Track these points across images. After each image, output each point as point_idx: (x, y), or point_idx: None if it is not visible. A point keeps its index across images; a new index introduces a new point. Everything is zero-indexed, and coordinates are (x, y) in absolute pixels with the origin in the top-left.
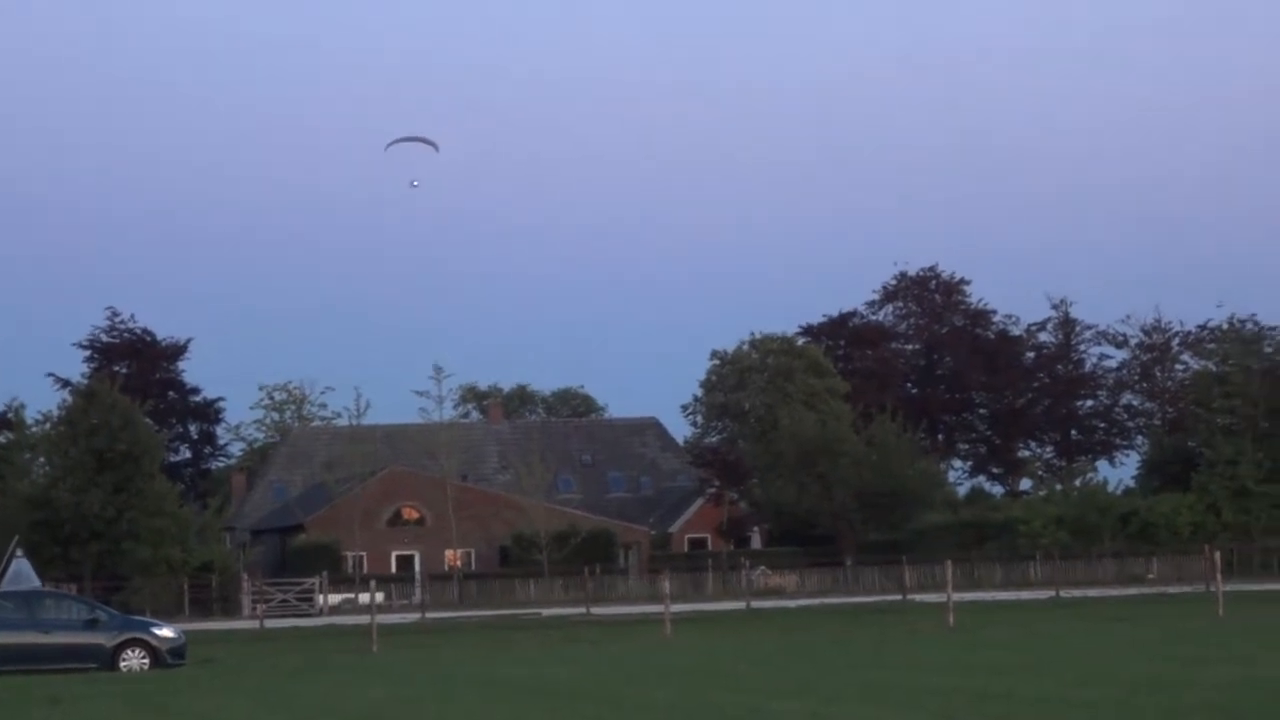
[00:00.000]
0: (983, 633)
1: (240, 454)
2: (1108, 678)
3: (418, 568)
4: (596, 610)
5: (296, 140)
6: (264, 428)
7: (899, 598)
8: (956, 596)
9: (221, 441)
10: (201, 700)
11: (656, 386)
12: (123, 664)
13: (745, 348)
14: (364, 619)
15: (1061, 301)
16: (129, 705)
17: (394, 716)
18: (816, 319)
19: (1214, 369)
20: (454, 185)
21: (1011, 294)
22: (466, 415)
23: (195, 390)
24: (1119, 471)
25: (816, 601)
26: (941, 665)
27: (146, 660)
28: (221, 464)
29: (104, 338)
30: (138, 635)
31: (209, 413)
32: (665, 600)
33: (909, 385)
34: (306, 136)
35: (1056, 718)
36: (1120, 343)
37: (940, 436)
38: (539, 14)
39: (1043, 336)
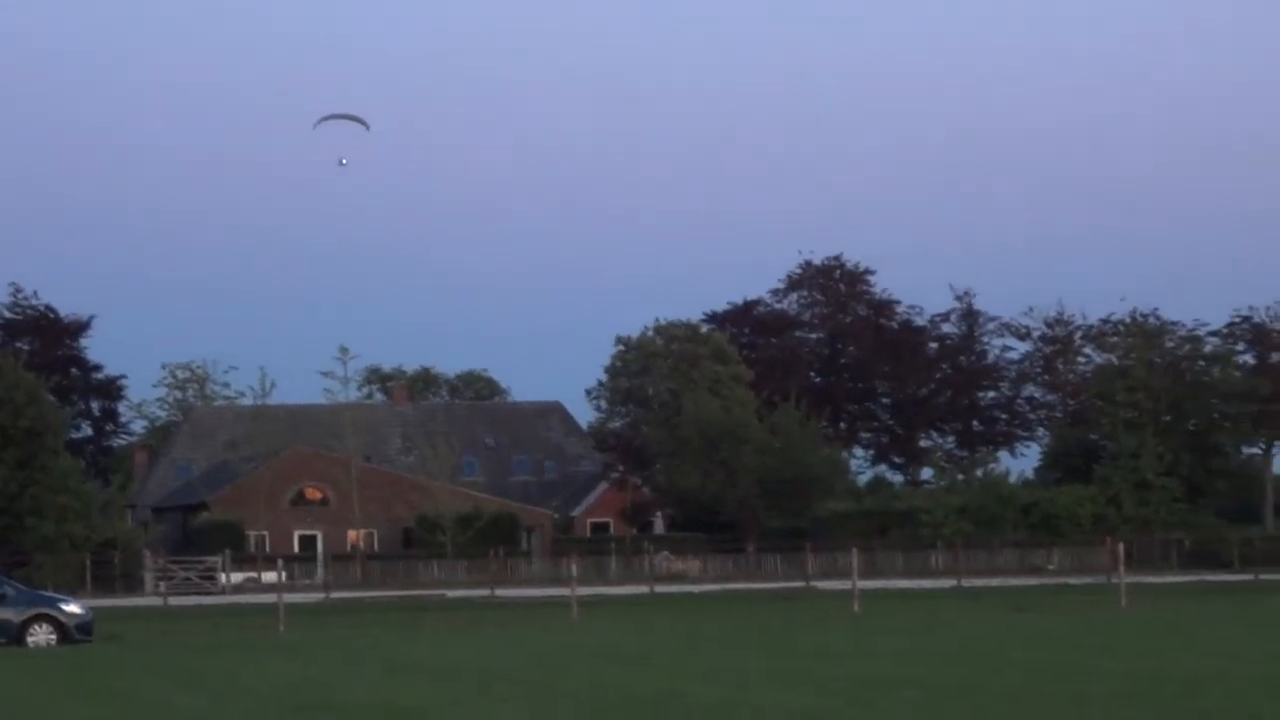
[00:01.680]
0: (888, 620)
1: (142, 431)
2: (1017, 666)
3: (320, 548)
4: (501, 592)
5: (204, 117)
6: (166, 406)
7: (802, 584)
8: (860, 584)
9: (123, 419)
10: (113, 677)
11: (560, 371)
12: (30, 639)
13: (649, 334)
14: (267, 598)
15: (965, 293)
16: (39, 681)
17: (306, 696)
18: (721, 306)
19: (1116, 362)
20: (361, 166)
21: (915, 285)
22: (370, 397)
23: (98, 367)
24: (1020, 463)
25: (720, 587)
26: (850, 652)
27: (54, 636)
28: (123, 441)
29: (6, 314)
30: (45, 611)
31: (111, 390)
32: (572, 584)
33: (812, 374)
34: (215, 113)
35: (973, 705)
36: (1023, 335)
37: (843, 425)
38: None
39: (946, 328)
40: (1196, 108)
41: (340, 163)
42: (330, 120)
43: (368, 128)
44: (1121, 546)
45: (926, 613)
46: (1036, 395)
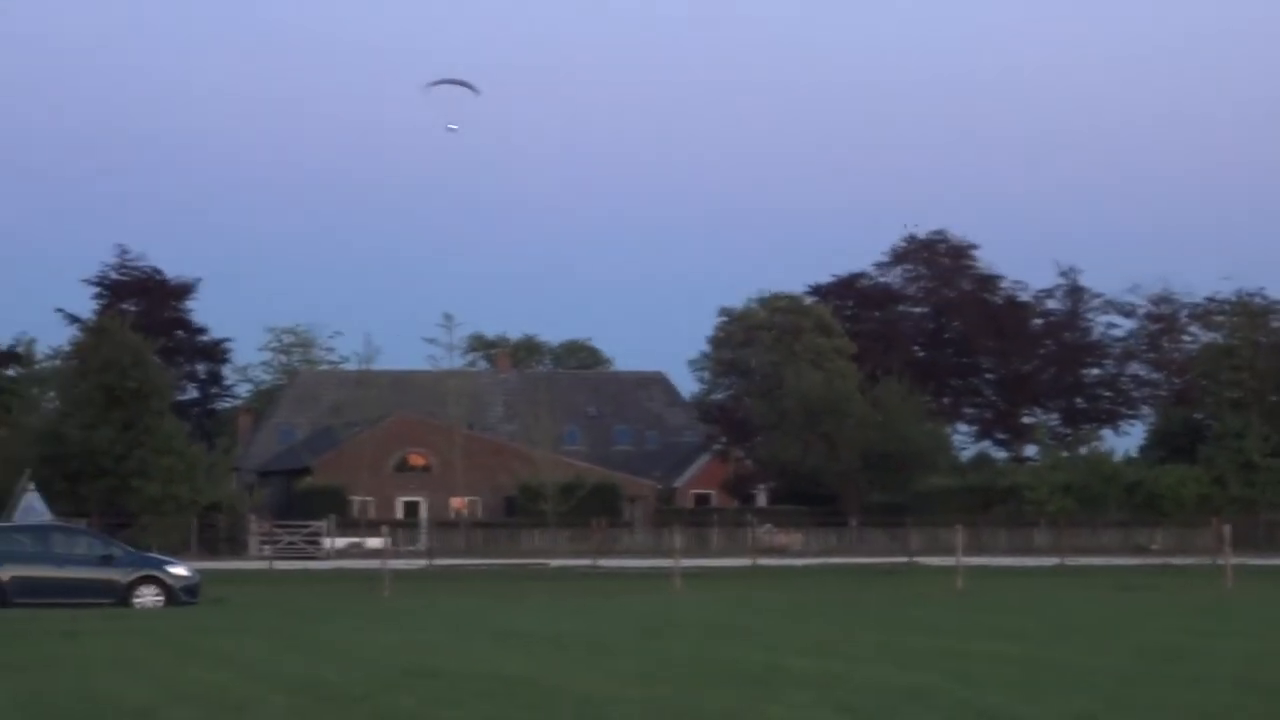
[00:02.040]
0: (991, 597)
1: (247, 395)
2: (1123, 646)
3: (423, 514)
4: (603, 563)
5: (314, 81)
6: (271, 369)
7: (904, 560)
8: (963, 561)
9: (228, 382)
10: (219, 639)
11: (664, 342)
12: (136, 601)
13: (753, 305)
14: (370, 563)
15: (1070, 269)
16: (146, 642)
17: (412, 661)
18: (825, 279)
19: (1221, 341)
20: (471, 133)
21: (1020, 260)
22: (474, 364)
23: (203, 330)
24: (1123, 441)
25: (821, 561)
26: (954, 629)
27: (161, 598)
28: (228, 404)
29: (113, 275)
30: (152, 572)
31: (216, 353)
32: (676, 555)
33: (916, 348)
34: (324, 76)
35: (1081, 684)
36: (1128, 312)
37: (946, 400)
38: None
39: (1050, 304)
40: None
41: (449, 129)
42: (439, 85)
43: (477, 93)
44: (1228, 528)
45: (1030, 590)
46: (1141, 373)
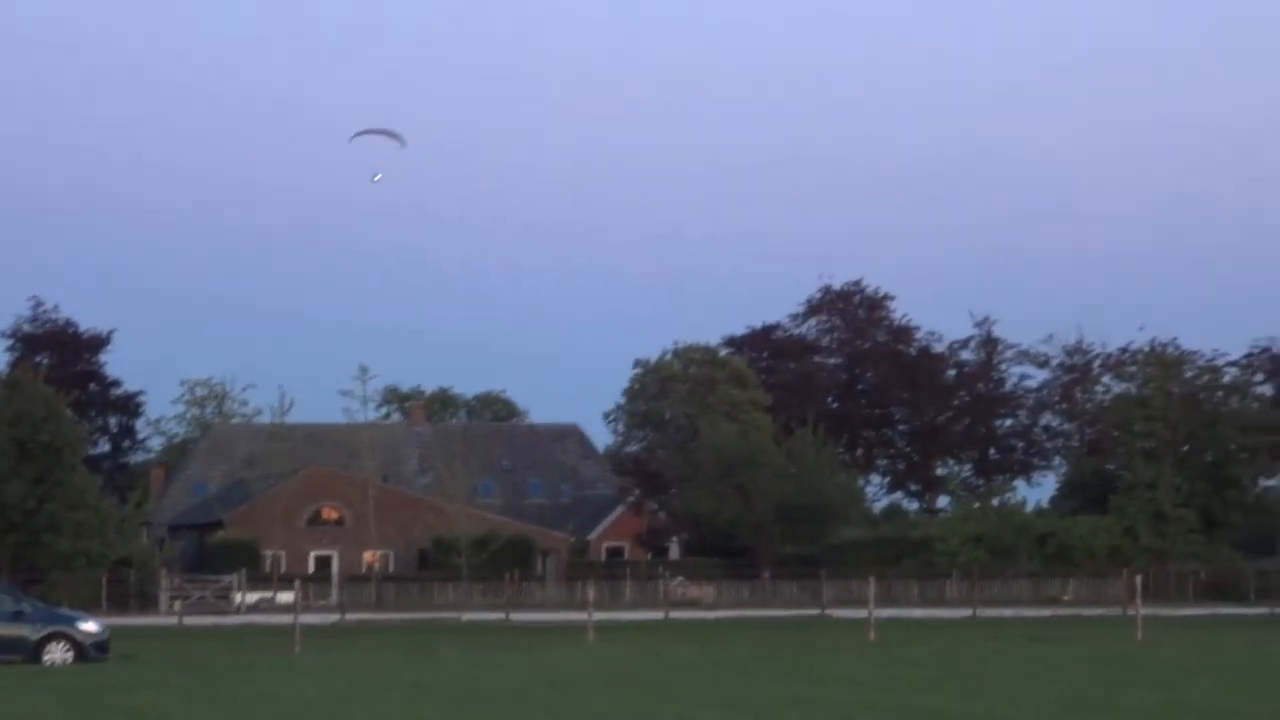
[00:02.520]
0: (904, 650)
1: (160, 448)
2: (1034, 698)
3: (335, 568)
4: (516, 616)
5: (224, 133)
6: (184, 423)
7: (817, 612)
8: (875, 613)
9: (141, 435)
10: (129, 696)
11: (578, 394)
12: (46, 657)
13: (668, 357)
14: (282, 618)
15: (984, 320)
16: (56, 698)
17: (325, 716)
18: (740, 330)
19: (1134, 392)
20: (385, 185)
21: (935, 311)
22: (388, 416)
23: (116, 383)
24: (1036, 492)
25: (734, 614)
26: (868, 681)
27: (70, 654)
28: (140, 458)
29: (26, 327)
30: (62, 629)
31: (129, 406)
32: (589, 609)
33: (830, 400)
34: (234, 128)
35: None
36: (1042, 363)
37: (860, 452)
38: (476, 23)
39: (965, 354)
40: (1218, 133)
41: (374, 179)
42: (365, 135)
43: (403, 144)
44: (1139, 578)
45: (942, 643)
46: (1054, 424)
